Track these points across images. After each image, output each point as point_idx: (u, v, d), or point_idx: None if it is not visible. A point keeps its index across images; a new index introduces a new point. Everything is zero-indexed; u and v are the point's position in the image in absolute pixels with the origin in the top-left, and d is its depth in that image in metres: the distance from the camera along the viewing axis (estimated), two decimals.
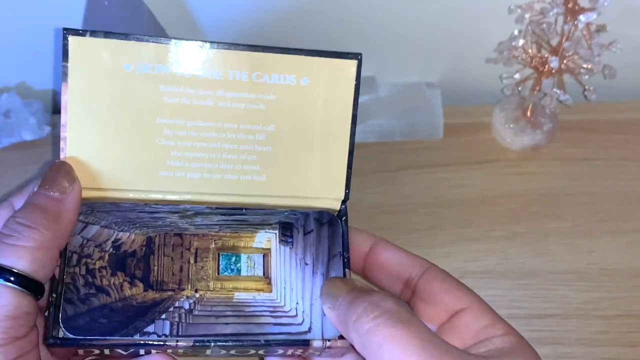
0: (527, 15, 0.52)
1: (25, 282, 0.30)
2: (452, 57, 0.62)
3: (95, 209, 0.35)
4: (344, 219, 0.37)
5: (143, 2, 0.49)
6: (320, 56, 0.36)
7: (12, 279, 0.30)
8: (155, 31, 0.51)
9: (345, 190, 0.37)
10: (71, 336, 0.32)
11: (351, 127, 0.37)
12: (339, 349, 0.34)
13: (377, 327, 0.29)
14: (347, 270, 0.36)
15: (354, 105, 0.37)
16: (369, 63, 0.63)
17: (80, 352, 0.33)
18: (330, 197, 0.37)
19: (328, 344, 0.34)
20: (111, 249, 0.35)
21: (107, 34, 0.34)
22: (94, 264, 0.34)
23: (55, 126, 0.61)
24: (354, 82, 0.37)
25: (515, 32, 0.54)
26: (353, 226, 0.38)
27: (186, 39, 0.35)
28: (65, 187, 0.33)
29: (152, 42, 0.35)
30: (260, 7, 0.57)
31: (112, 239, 0.35)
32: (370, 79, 0.62)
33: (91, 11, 0.49)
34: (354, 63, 0.37)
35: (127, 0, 0.49)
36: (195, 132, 0.36)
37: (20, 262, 0.30)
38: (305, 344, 0.34)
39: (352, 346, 0.32)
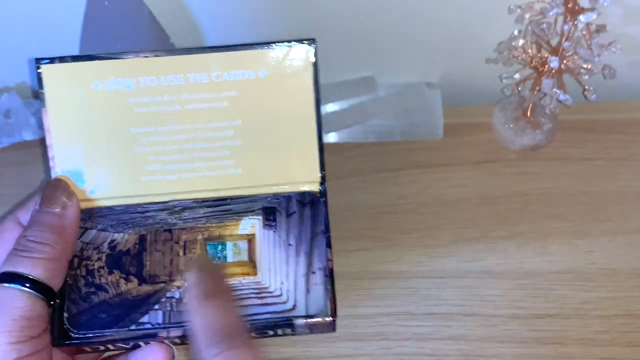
0: (527, 15, 0.52)
1: (39, 288, 0.33)
2: (452, 57, 0.62)
3: (92, 215, 0.38)
4: (323, 199, 0.39)
5: (143, 2, 0.49)
6: (274, 47, 0.38)
7: (27, 284, 0.33)
8: (155, 31, 0.51)
9: (321, 171, 0.39)
10: (74, 335, 0.35)
11: (316, 110, 0.38)
12: (325, 324, 0.35)
13: None
14: (328, 249, 0.37)
15: (314, 89, 0.38)
16: (369, 63, 0.63)
17: (87, 348, 0.36)
18: (307, 180, 0.39)
19: (312, 320, 0.35)
20: (107, 250, 0.37)
21: (75, 58, 0.38)
22: (93, 264, 0.37)
23: None
24: (312, 67, 0.38)
25: (515, 32, 0.54)
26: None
27: (144, 52, 0.38)
28: (65, 202, 0.37)
29: (114, 58, 0.37)
30: (260, 6, 0.57)
31: (108, 240, 0.37)
32: (370, 79, 0.62)
33: (91, 11, 0.49)
34: (308, 48, 0.38)
35: (127, 0, 0.49)
36: (166, 136, 0.38)
37: (34, 270, 0.33)
38: (289, 322, 0.35)
39: (334, 321, 0.34)
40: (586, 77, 0.53)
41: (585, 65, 0.53)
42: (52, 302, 0.34)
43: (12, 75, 0.63)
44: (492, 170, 0.58)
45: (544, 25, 0.52)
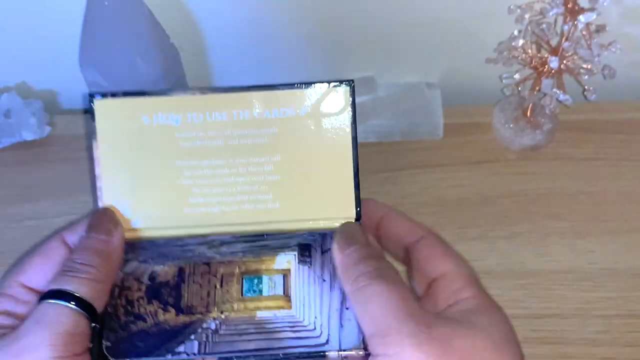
0: (527, 15, 0.52)
1: (83, 306, 0.35)
2: (452, 57, 0.62)
3: (134, 247, 0.39)
4: None
5: (143, 2, 0.49)
6: (314, 87, 0.39)
7: (73, 302, 0.35)
8: (155, 31, 0.51)
9: (357, 208, 0.40)
10: None
11: (352, 148, 0.40)
12: (358, 358, 0.36)
13: (370, 285, 0.34)
14: None
15: (352, 127, 0.39)
16: (369, 63, 0.63)
17: None
18: (342, 216, 0.40)
19: (344, 354, 0.35)
20: (147, 281, 0.38)
21: (126, 94, 0.39)
22: (133, 295, 0.38)
23: (55, 126, 0.61)
24: (349, 107, 0.39)
25: (515, 32, 0.54)
26: (366, 198, 0.40)
27: (191, 89, 0.40)
28: (111, 230, 0.38)
29: (163, 95, 0.39)
30: (261, 7, 0.57)
31: (149, 272, 0.39)
32: (370, 79, 0.62)
33: (91, 11, 0.49)
34: (346, 89, 0.39)
35: (127, 0, 0.49)
36: (210, 170, 0.40)
37: (80, 288, 0.35)
38: (322, 355, 0.36)
39: (367, 355, 0.34)
40: (586, 77, 0.53)
41: (585, 65, 0.53)
42: (93, 325, 0.35)
43: (12, 75, 0.63)
44: (492, 170, 0.58)
45: (544, 25, 0.52)
